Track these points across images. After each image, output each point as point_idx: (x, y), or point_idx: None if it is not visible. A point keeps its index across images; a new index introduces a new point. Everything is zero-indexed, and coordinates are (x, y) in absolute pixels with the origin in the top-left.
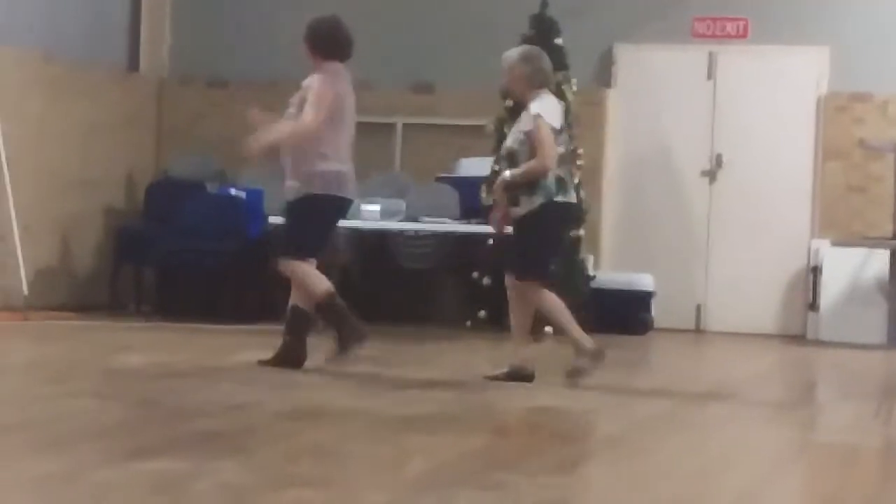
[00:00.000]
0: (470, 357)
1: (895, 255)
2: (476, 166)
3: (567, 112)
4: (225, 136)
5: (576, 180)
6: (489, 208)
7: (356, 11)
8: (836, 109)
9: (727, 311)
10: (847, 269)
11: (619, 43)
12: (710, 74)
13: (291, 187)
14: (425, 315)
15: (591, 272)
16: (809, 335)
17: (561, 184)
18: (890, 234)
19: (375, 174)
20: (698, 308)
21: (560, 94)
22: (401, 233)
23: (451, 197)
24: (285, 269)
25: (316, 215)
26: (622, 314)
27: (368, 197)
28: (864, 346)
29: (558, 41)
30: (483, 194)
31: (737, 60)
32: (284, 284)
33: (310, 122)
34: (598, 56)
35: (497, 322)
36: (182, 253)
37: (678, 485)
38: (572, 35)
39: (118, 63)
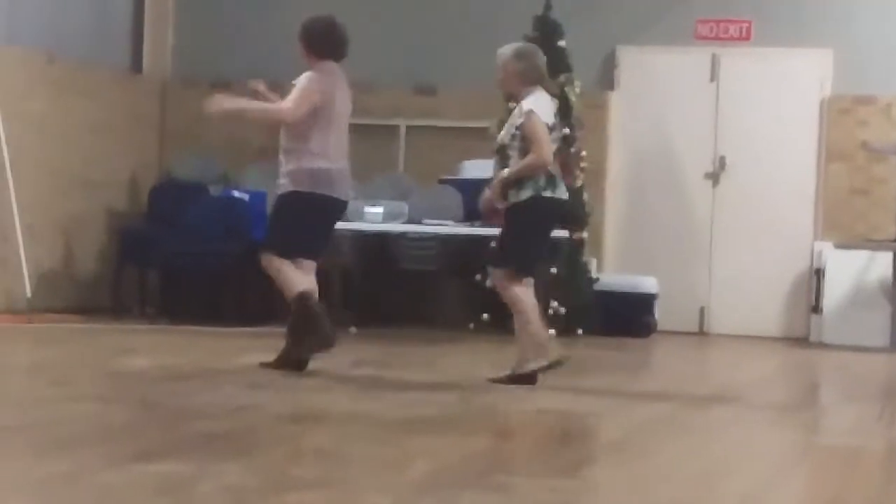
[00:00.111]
0: (473, 360)
1: None
2: (479, 168)
3: (569, 113)
4: (228, 138)
5: (579, 182)
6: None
7: (359, 14)
8: (839, 112)
9: (730, 314)
10: (850, 271)
11: (622, 45)
12: (713, 77)
13: (281, 185)
14: (428, 317)
15: (594, 274)
16: (813, 337)
17: (550, 179)
18: (893, 237)
19: (378, 176)
20: (701, 310)
21: (563, 96)
22: (403, 235)
23: (454, 199)
24: (265, 264)
25: (302, 213)
26: (625, 316)
27: (371, 199)
28: (867, 349)
29: (561, 43)
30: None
31: (740, 63)
32: None
33: (284, 110)
34: (601, 58)
35: (500, 325)
36: (185, 255)
37: (681, 488)
38: (575, 37)
39: (121, 64)
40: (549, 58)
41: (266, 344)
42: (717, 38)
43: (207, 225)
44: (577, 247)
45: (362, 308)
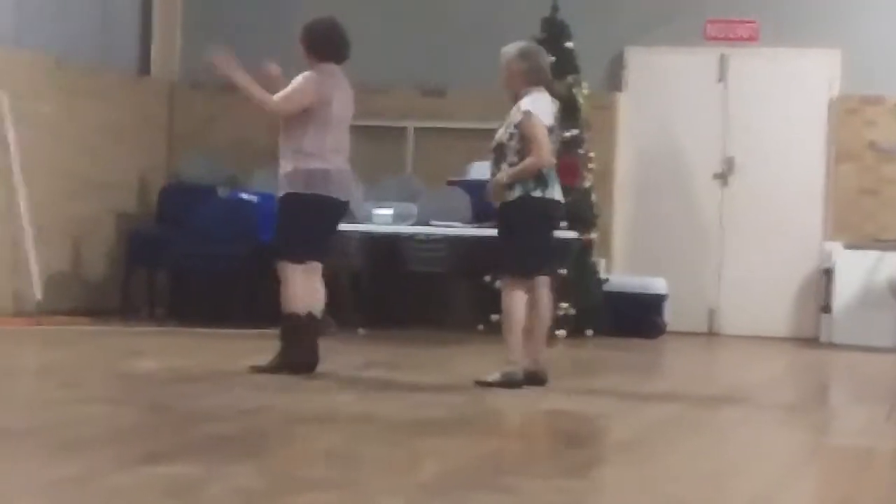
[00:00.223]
0: (482, 361)
1: None
2: (487, 170)
3: (577, 115)
4: (236, 140)
5: (587, 184)
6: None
7: (368, 16)
8: (847, 112)
9: (740, 315)
10: (860, 271)
11: (630, 46)
12: (722, 77)
13: (279, 187)
14: (437, 319)
15: (603, 276)
16: (822, 338)
17: (540, 179)
18: None
19: (387, 178)
20: (711, 311)
21: (571, 98)
22: (412, 237)
23: (463, 201)
24: (278, 270)
25: (299, 215)
26: (635, 318)
27: (380, 201)
28: (876, 349)
29: (569, 44)
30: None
31: (748, 63)
32: None
33: (270, 101)
34: (609, 59)
35: None
36: (194, 257)
37: (690, 488)
38: (583, 38)
39: (130, 67)
40: (556, 59)
41: (275, 346)
42: (725, 39)
43: (216, 227)
44: (586, 248)
45: (371, 310)
